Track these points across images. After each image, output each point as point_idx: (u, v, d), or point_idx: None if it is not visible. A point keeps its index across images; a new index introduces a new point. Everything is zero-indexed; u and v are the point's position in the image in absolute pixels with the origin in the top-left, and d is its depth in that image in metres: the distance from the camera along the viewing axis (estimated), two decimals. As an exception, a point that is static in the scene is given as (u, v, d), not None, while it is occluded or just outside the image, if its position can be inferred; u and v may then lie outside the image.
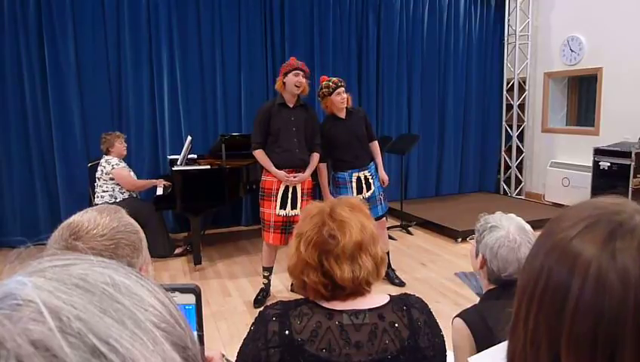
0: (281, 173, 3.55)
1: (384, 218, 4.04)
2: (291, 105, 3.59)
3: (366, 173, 3.84)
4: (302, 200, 3.64)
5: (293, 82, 3.50)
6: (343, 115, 3.77)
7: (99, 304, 0.30)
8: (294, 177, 3.59)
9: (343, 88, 3.68)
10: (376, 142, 4.01)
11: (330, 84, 3.67)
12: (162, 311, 0.33)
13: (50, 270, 0.32)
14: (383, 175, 3.97)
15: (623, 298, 0.50)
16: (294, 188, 3.61)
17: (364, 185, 3.83)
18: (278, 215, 3.57)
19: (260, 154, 3.60)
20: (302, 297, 1.26)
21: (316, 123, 3.75)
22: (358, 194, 3.79)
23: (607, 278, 0.51)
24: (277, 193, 3.57)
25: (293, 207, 3.59)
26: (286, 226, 3.59)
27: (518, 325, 0.57)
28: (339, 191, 3.83)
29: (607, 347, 0.49)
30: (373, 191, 3.86)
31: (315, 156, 3.75)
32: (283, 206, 3.58)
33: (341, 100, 3.66)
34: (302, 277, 1.21)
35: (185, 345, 0.34)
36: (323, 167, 3.83)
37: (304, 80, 3.55)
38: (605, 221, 0.55)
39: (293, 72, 3.50)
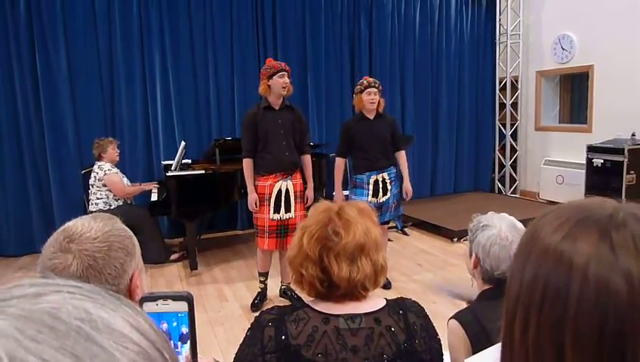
0: (254, 196, 3.53)
1: (389, 223, 4.13)
2: (277, 108, 3.54)
3: (384, 175, 3.85)
4: (295, 203, 3.62)
5: (280, 84, 3.45)
6: (371, 115, 3.81)
7: (72, 350, 0.27)
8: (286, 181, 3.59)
9: (375, 89, 3.73)
10: (404, 152, 4.02)
11: (364, 82, 3.75)
12: (145, 347, 0.31)
13: (17, 302, 0.29)
14: (408, 186, 3.98)
15: (630, 296, 0.47)
16: (287, 192, 3.58)
17: (380, 189, 3.83)
18: (272, 219, 3.54)
19: (246, 165, 3.57)
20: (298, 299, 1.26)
21: (304, 123, 3.73)
22: (373, 197, 3.79)
23: (610, 278, 0.48)
24: (270, 198, 3.54)
25: (287, 210, 3.57)
26: (281, 230, 3.57)
27: (514, 338, 0.55)
28: (355, 192, 3.85)
29: (616, 344, 0.47)
30: (389, 197, 3.88)
31: (307, 158, 3.76)
32: (277, 210, 3.55)
33: (370, 100, 3.71)
34: (300, 269, 1.21)
35: None
36: (340, 161, 3.86)
37: (289, 80, 3.52)
38: (593, 217, 0.53)
39: (279, 73, 3.46)
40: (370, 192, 3.81)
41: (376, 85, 3.76)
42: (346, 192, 4.12)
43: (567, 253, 0.51)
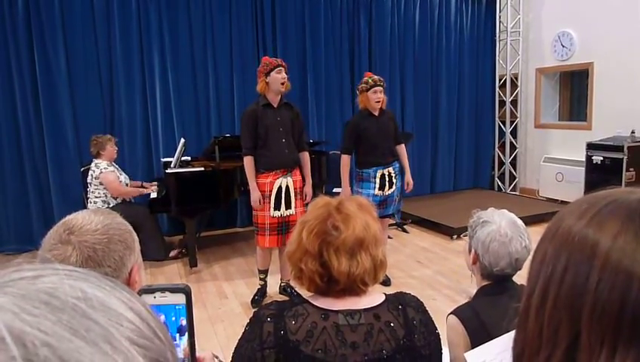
0: (257, 193, 3.52)
1: (391, 216, 4.17)
2: (275, 105, 3.55)
3: (390, 169, 3.92)
4: (295, 199, 3.63)
5: (278, 80, 3.45)
6: (376, 112, 3.85)
7: (68, 324, 0.28)
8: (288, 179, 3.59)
9: (380, 88, 3.78)
10: (403, 145, 4.11)
11: (370, 81, 3.78)
12: (139, 325, 0.31)
13: (15, 283, 0.30)
14: (410, 178, 4.10)
15: None
16: (287, 189, 3.59)
17: (387, 182, 3.90)
18: (273, 216, 3.55)
19: (247, 162, 3.56)
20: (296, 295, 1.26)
21: (302, 121, 3.77)
22: (379, 190, 3.86)
23: (636, 260, 0.47)
24: (270, 195, 3.55)
25: (288, 207, 3.58)
26: (282, 227, 3.58)
27: (529, 314, 0.54)
28: (361, 185, 3.89)
29: (636, 323, 0.46)
30: (394, 190, 3.95)
31: (306, 155, 3.78)
32: (277, 207, 3.56)
33: (375, 99, 3.76)
34: (299, 264, 1.20)
35: (165, 358, 0.32)
36: (347, 158, 3.89)
37: (287, 75, 3.52)
38: (619, 201, 0.52)
39: (276, 69, 3.46)
40: (377, 185, 3.86)
41: (382, 84, 3.80)
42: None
43: (591, 236, 0.50)
